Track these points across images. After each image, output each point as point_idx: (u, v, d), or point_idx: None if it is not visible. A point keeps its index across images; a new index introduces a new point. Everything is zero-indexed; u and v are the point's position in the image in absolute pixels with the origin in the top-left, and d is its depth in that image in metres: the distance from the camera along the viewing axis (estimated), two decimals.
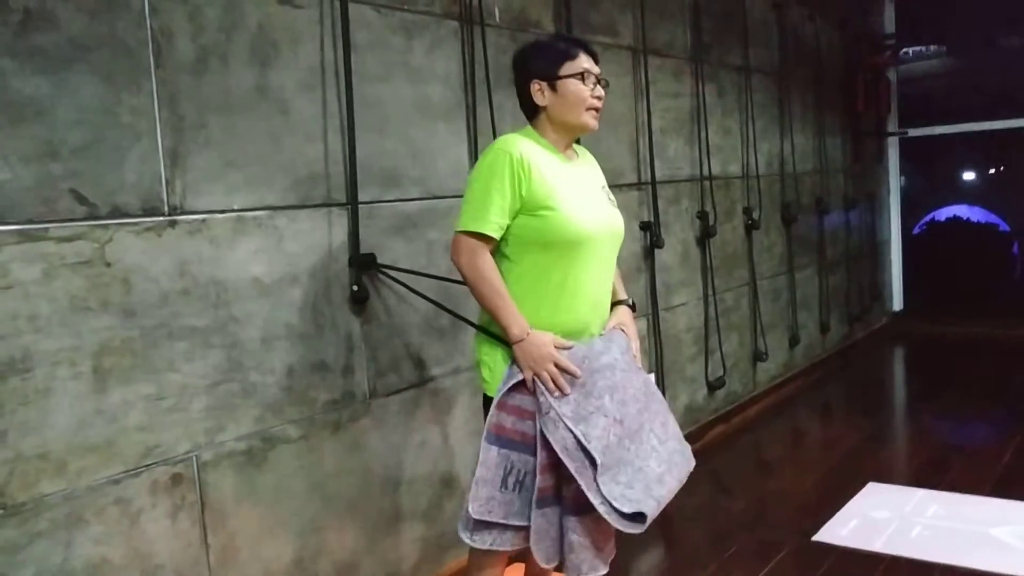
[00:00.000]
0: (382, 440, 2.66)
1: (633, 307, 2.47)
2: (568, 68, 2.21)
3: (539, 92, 2.22)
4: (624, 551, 2.95)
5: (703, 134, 4.31)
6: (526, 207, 2.14)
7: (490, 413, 2.17)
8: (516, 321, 2.12)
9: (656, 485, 2.18)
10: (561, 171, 2.21)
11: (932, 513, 3.32)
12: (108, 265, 1.98)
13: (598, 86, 2.25)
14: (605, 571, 2.26)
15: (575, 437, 2.10)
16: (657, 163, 3.95)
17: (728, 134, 4.63)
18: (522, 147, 2.15)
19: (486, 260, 2.12)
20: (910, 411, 5.23)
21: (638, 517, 2.11)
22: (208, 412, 2.19)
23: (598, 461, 2.09)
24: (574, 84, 2.21)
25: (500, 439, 2.16)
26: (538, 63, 2.24)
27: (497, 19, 3.07)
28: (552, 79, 2.21)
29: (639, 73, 3.85)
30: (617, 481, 2.12)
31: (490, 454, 2.16)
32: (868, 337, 6.59)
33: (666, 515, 3.43)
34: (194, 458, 2.17)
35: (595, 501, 2.08)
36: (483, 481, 2.15)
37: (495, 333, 2.20)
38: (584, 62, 2.23)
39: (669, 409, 2.39)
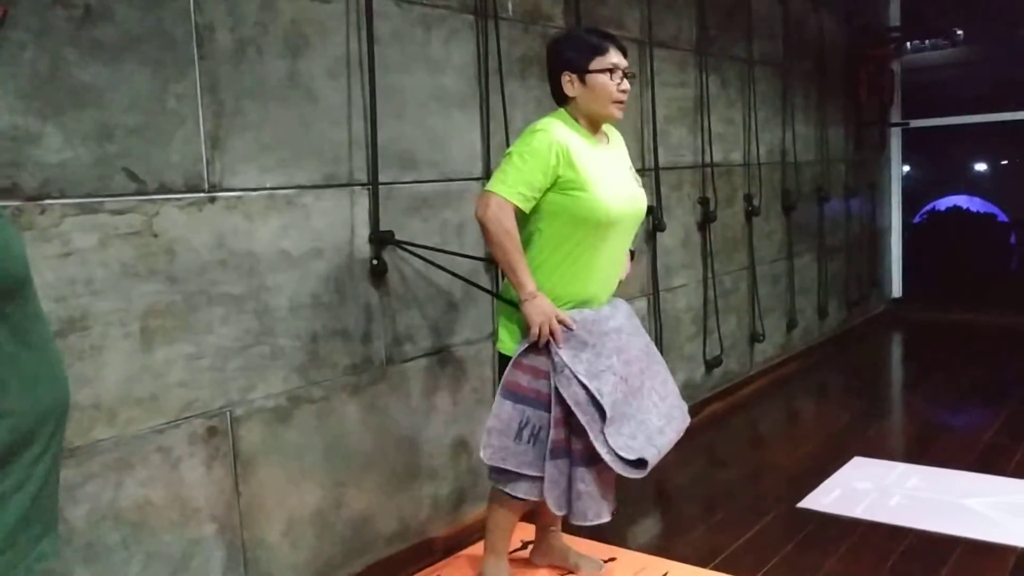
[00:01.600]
0: (397, 404, 2.88)
1: (632, 255, 2.72)
2: (597, 63, 2.40)
3: (569, 83, 2.42)
4: (621, 516, 3.18)
5: (706, 123, 4.50)
6: (559, 186, 2.36)
7: (507, 371, 2.41)
8: (530, 280, 2.36)
9: (657, 436, 2.45)
10: (593, 155, 2.43)
11: (912, 484, 3.52)
12: (155, 236, 2.20)
13: (625, 80, 2.44)
14: (609, 519, 2.51)
15: (588, 392, 2.35)
16: (660, 150, 4.14)
17: (731, 123, 4.81)
18: (561, 131, 2.38)
19: (511, 218, 2.34)
20: (902, 393, 5.44)
21: (640, 464, 2.37)
22: (241, 372, 2.41)
23: (608, 414, 2.34)
24: (602, 78, 2.40)
25: (514, 395, 2.41)
26: (569, 56, 2.43)
27: (510, 12, 3.26)
28: (582, 72, 2.41)
29: (645, 64, 4.04)
30: (621, 433, 2.38)
31: (504, 407, 2.41)
32: (866, 322, 6.77)
33: (661, 485, 3.68)
34: (228, 413, 2.39)
35: (601, 450, 2.34)
36: (496, 431, 2.41)
37: (510, 299, 2.43)
38: (613, 57, 2.42)
39: (668, 369, 2.64)
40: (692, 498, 3.63)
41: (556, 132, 2.36)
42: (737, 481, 3.76)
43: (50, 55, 1.98)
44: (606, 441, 2.34)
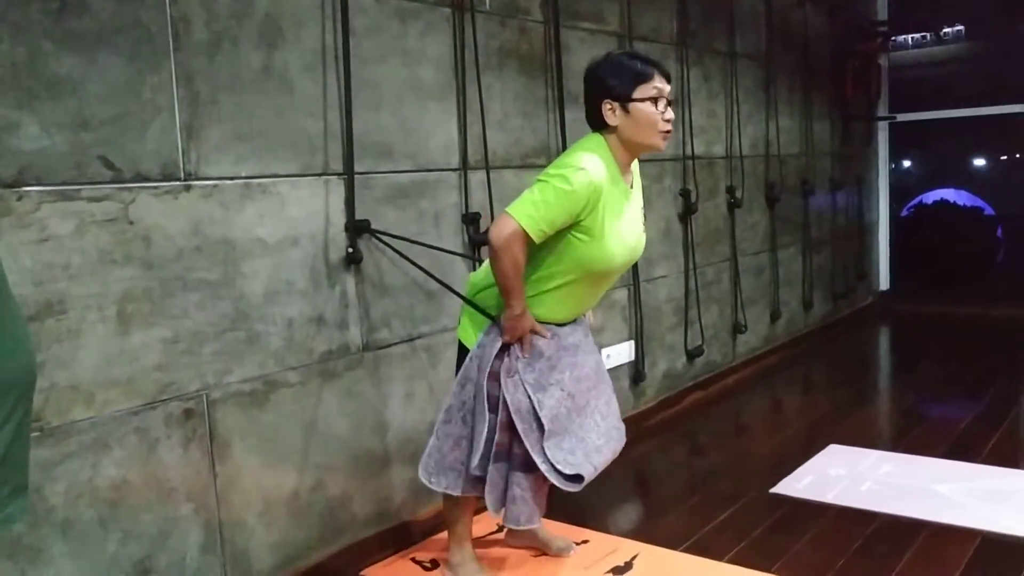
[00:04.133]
0: (373, 389, 2.94)
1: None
2: (641, 91, 2.28)
3: (611, 112, 2.31)
4: (598, 500, 3.25)
5: (687, 116, 4.55)
6: (574, 228, 2.31)
7: (486, 386, 2.45)
8: (521, 303, 2.38)
9: (594, 454, 2.51)
10: (617, 200, 2.37)
11: (884, 471, 3.59)
12: (131, 223, 2.26)
13: (669, 108, 2.33)
14: (539, 524, 2.63)
15: (530, 402, 2.41)
16: None
17: (713, 117, 4.87)
18: (600, 172, 2.28)
19: (521, 247, 2.28)
20: (883, 383, 5.51)
21: (577, 478, 2.44)
22: (217, 356, 2.47)
23: (546, 428, 2.40)
24: (646, 107, 2.28)
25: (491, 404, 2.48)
26: (611, 82, 2.30)
27: (487, 6, 3.31)
28: (624, 100, 2.29)
29: None
30: (560, 448, 2.44)
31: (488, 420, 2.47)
32: (852, 315, 6.83)
33: (639, 471, 3.76)
34: (204, 396, 2.45)
35: (538, 460, 2.40)
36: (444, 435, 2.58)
37: (478, 306, 2.52)
38: (657, 82, 2.30)
39: (612, 388, 2.71)
40: (668, 484, 3.70)
41: (596, 173, 2.26)
42: (714, 468, 3.83)
43: (27, 46, 2.04)
44: (543, 451, 2.40)
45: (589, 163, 2.27)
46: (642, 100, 2.28)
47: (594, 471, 2.48)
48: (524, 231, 2.26)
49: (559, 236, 2.33)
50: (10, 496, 1.34)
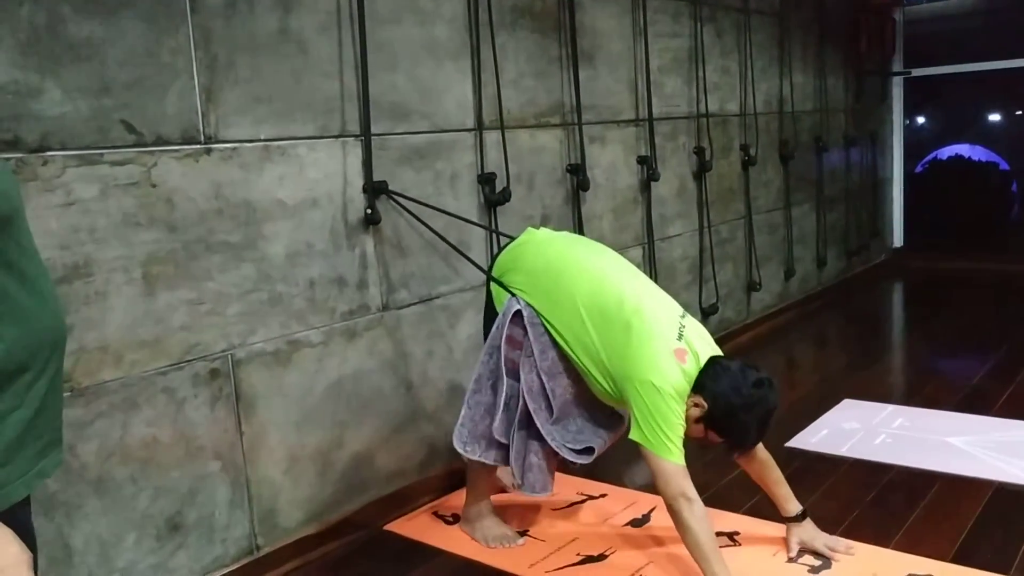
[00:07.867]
0: (393, 348, 2.98)
1: None
2: (717, 436, 2.44)
3: (695, 407, 2.39)
4: (616, 457, 3.28)
5: (700, 73, 4.53)
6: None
7: (504, 350, 2.52)
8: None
9: (604, 429, 2.66)
10: None
11: (898, 424, 3.62)
12: (154, 186, 2.29)
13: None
14: (551, 492, 2.68)
15: (542, 385, 2.52)
16: (654, 101, 4.19)
17: (727, 74, 4.84)
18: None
19: (688, 481, 2.41)
20: (897, 339, 5.52)
21: (587, 451, 2.59)
22: (240, 317, 2.51)
23: (555, 414, 2.54)
24: (701, 436, 2.45)
25: (508, 370, 2.55)
26: (718, 411, 2.37)
27: None
28: (708, 425, 2.41)
29: (638, 14, 4.07)
30: (568, 429, 2.60)
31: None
32: (867, 271, 6.83)
33: None
34: (229, 356, 2.49)
35: (548, 438, 2.53)
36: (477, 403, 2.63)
37: (500, 281, 2.63)
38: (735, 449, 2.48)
39: None
40: (685, 440, 3.73)
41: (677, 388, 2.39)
42: None
43: (47, 11, 2.06)
44: (552, 431, 2.54)
45: (670, 392, 2.36)
46: (708, 435, 2.44)
47: (604, 444, 2.64)
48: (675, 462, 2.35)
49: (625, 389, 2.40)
50: (45, 449, 1.38)
